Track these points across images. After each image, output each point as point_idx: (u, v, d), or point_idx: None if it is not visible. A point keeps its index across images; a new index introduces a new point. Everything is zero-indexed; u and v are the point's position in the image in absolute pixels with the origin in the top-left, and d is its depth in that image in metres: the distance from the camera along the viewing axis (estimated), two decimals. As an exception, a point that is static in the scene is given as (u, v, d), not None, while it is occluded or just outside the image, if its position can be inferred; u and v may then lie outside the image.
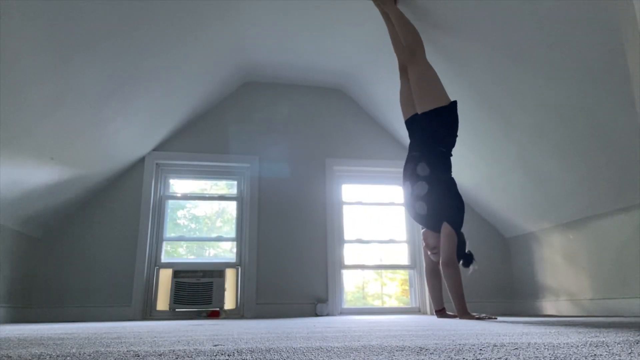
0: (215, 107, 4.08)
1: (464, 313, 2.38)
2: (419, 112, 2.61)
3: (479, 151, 3.50)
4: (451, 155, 2.63)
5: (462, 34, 2.74)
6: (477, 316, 2.36)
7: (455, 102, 2.60)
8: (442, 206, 2.50)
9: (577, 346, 0.83)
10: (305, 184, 4.00)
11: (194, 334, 1.33)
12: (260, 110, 4.16)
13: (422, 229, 2.68)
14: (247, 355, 0.76)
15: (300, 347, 0.87)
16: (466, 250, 2.54)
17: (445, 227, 2.46)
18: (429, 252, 2.63)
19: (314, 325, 1.80)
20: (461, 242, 2.52)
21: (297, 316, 3.53)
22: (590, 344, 0.85)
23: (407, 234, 4.10)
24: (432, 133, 2.58)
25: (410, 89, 2.72)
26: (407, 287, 4.12)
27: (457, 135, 2.62)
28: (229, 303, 3.62)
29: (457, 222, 2.48)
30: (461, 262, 2.51)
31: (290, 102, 4.23)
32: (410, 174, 2.60)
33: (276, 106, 4.19)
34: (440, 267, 2.45)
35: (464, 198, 4.19)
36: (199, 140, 3.97)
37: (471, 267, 2.54)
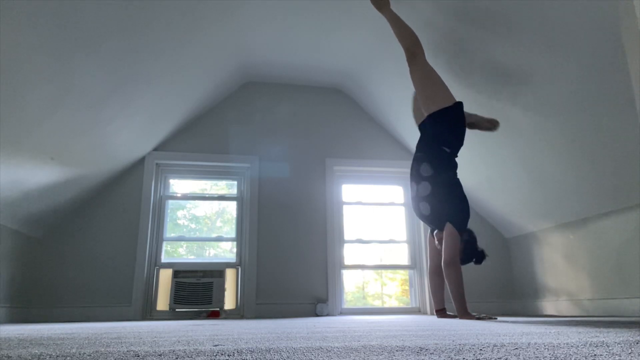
0: (215, 107, 4.08)
1: (464, 313, 2.38)
2: (425, 114, 2.61)
3: (479, 151, 3.50)
4: (457, 155, 2.62)
5: (461, 33, 2.74)
6: (477, 316, 2.36)
7: (459, 103, 2.60)
8: (444, 207, 2.50)
9: (577, 346, 0.83)
10: (305, 184, 4.00)
11: (194, 334, 1.33)
12: (260, 110, 4.16)
13: (435, 231, 2.69)
14: (247, 355, 0.76)
15: (300, 347, 0.87)
16: (478, 248, 2.55)
17: (448, 227, 2.46)
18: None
19: (314, 325, 1.80)
20: (472, 239, 2.53)
21: (297, 316, 3.53)
22: (590, 344, 0.85)
23: (407, 234, 4.10)
24: (438, 134, 2.58)
25: None
26: (407, 287, 4.12)
27: (464, 135, 2.61)
28: (229, 303, 3.62)
29: (460, 223, 2.48)
30: (474, 260, 2.53)
31: (290, 102, 4.23)
32: (415, 174, 2.61)
33: (276, 106, 4.19)
34: (442, 266, 2.46)
35: (464, 198, 4.18)
36: (199, 140, 3.97)
37: (483, 262, 2.56)
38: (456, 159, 2.63)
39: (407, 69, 3.40)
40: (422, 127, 2.71)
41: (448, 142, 2.57)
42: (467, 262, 2.55)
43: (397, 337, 1.08)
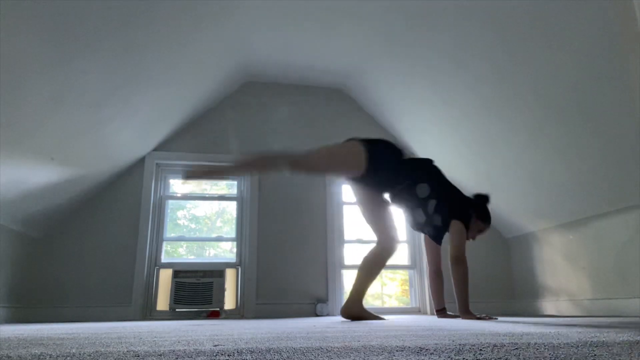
0: (216, 106, 4.08)
1: (465, 312, 2.37)
2: (361, 175, 2.39)
3: (479, 151, 3.50)
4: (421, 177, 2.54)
5: (462, 33, 2.74)
6: (478, 316, 2.36)
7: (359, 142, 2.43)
8: (447, 207, 2.49)
9: (577, 346, 0.83)
10: (305, 184, 4.00)
11: (194, 334, 1.33)
12: (260, 110, 4.16)
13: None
14: (247, 356, 0.76)
15: (300, 347, 0.87)
16: (486, 205, 2.60)
17: (454, 224, 2.44)
18: None
19: (314, 325, 1.79)
20: (477, 206, 2.56)
21: (297, 316, 3.53)
22: (590, 344, 0.85)
23: (407, 234, 4.10)
24: (393, 166, 2.46)
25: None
26: (407, 287, 4.12)
27: (395, 165, 2.48)
28: (229, 303, 3.62)
29: (462, 214, 2.47)
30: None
31: (290, 102, 4.23)
32: (414, 203, 2.53)
33: (276, 106, 4.19)
34: (450, 262, 2.43)
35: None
36: (199, 140, 3.97)
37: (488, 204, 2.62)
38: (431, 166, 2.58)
39: (408, 68, 3.41)
40: (362, 183, 2.47)
41: (404, 175, 2.48)
42: (489, 218, 2.60)
43: (397, 337, 1.08)
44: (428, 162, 2.61)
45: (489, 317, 2.33)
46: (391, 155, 2.46)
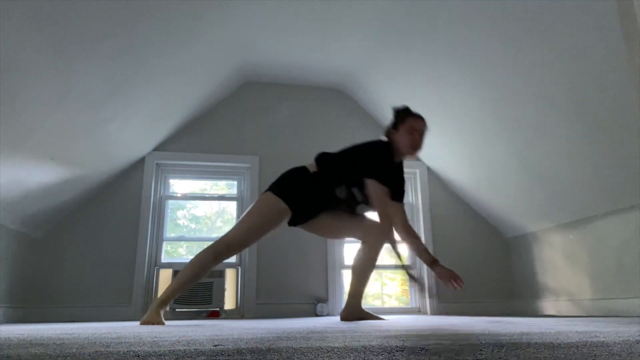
0: (216, 107, 4.08)
1: (431, 263, 2.25)
2: (292, 213, 2.37)
3: (479, 151, 3.50)
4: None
5: (461, 33, 2.74)
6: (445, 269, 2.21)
7: (270, 191, 2.40)
8: (360, 179, 2.33)
9: (577, 346, 0.83)
10: (305, 184, 4.00)
11: (194, 334, 1.33)
12: (260, 110, 4.16)
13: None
14: (247, 356, 0.76)
15: (300, 347, 0.87)
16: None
17: (367, 185, 2.27)
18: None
19: (314, 325, 1.79)
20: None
21: (297, 316, 3.53)
22: (590, 344, 0.85)
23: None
24: (307, 185, 2.39)
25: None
26: (407, 287, 4.12)
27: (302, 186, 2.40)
28: (229, 303, 3.62)
29: (368, 167, 2.30)
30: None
31: (290, 102, 4.23)
32: (349, 207, 2.43)
33: (276, 106, 4.19)
34: (380, 221, 2.29)
35: (463, 198, 4.19)
36: (199, 140, 3.97)
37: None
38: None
39: (408, 67, 3.41)
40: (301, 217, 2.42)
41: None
42: (408, 113, 2.44)
43: (397, 337, 1.08)
44: (323, 159, 2.43)
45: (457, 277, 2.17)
46: (298, 178, 2.39)
